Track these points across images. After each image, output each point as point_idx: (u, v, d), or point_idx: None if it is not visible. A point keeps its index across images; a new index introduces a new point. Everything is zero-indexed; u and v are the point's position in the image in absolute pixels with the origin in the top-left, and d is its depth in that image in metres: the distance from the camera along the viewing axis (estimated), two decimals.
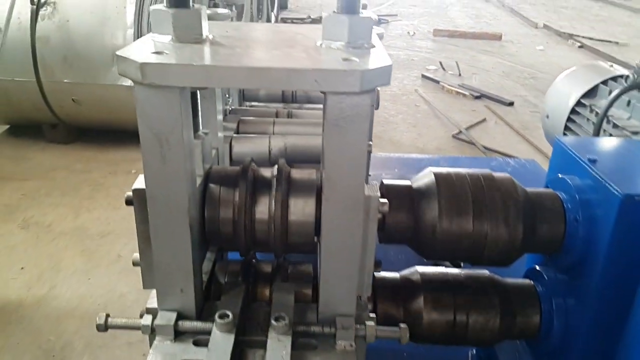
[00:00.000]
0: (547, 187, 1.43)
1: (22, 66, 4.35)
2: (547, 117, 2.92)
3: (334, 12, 1.16)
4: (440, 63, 9.20)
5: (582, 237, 1.27)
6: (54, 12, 4.35)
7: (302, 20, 11.51)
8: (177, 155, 1.03)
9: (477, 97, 7.55)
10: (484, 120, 6.68)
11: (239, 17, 7.79)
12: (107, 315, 1.19)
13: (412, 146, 6.02)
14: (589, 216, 1.25)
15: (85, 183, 4.41)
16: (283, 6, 12.42)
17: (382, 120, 6.65)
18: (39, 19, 4.32)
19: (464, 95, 7.64)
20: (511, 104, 7.28)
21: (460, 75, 8.64)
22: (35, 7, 4.31)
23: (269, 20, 10.09)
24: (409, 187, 1.34)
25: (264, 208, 1.25)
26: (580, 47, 11.36)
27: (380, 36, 2.09)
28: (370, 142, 2.11)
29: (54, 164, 4.70)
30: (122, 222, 3.88)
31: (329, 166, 1.09)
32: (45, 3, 4.38)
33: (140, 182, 1.11)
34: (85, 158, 4.82)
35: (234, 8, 2.33)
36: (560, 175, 1.37)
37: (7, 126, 5.21)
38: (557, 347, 1.39)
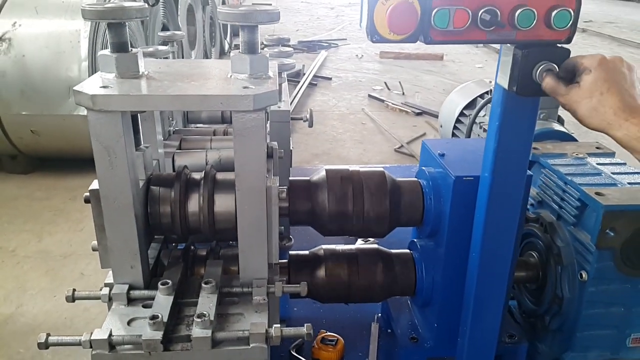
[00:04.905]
0: (416, 177, 1.86)
1: None
2: (441, 126, 3.44)
3: (239, 52, 1.57)
4: (386, 83, 9.79)
5: (434, 211, 1.70)
6: (9, 47, 4.54)
7: None
8: (122, 162, 1.40)
9: (418, 114, 8.11)
10: (424, 134, 7.23)
11: (192, 46, 8.13)
12: (74, 290, 1.54)
13: (357, 161, 6.47)
14: (438, 195, 1.69)
15: (46, 209, 4.62)
16: (236, 33, 12.77)
17: (331, 138, 7.10)
18: None
19: (407, 112, 8.21)
20: None
21: (403, 94, 9.24)
22: None
23: (222, 47, 10.46)
24: (308, 181, 1.75)
25: (194, 203, 1.63)
26: None
27: (292, 66, 2.52)
28: (291, 148, 2.52)
29: (15, 194, 4.89)
30: (83, 243, 4.11)
31: (238, 165, 1.48)
32: (0, 39, 4.57)
33: (95, 184, 1.47)
34: (45, 186, 5.02)
35: (174, 44, 2.73)
36: (422, 168, 1.81)
37: None
38: (429, 298, 1.81)
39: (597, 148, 2.06)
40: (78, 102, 1.34)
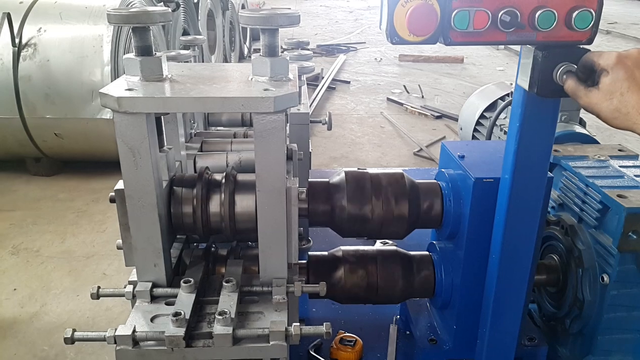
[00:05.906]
0: (435, 179, 1.86)
1: (5, 105, 4.65)
2: (461, 129, 3.42)
3: (260, 55, 1.60)
4: (405, 86, 9.76)
5: (454, 213, 1.70)
6: (34, 52, 4.64)
7: None
8: (146, 163, 1.43)
9: (438, 117, 8.07)
10: (443, 137, 7.18)
11: (212, 51, 8.23)
12: (99, 287, 1.57)
13: (376, 164, 6.47)
14: (457, 197, 1.69)
15: (70, 211, 4.71)
16: (255, 38, 12.88)
17: (349, 142, 7.10)
18: (21, 59, 4.63)
19: (426, 115, 8.18)
20: None
21: (423, 97, 9.20)
22: (16, 48, 4.62)
23: (241, 51, 10.55)
24: (327, 183, 1.77)
25: (216, 204, 1.66)
26: None
27: (311, 69, 2.54)
28: (310, 151, 2.54)
29: (39, 195, 5.00)
30: (105, 244, 4.19)
31: (259, 166, 1.50)
32: (26, 44, 4.68)
33: (120, 185, 1.51)
34: (68, 188, 5.12)
35: (195, 48, 2.77)
36: (442, 169, 1.81)
37: None
38: (448, 300, 1.81)
39: (620, 150, 2.04)
40: (104, 104, 1.38)
